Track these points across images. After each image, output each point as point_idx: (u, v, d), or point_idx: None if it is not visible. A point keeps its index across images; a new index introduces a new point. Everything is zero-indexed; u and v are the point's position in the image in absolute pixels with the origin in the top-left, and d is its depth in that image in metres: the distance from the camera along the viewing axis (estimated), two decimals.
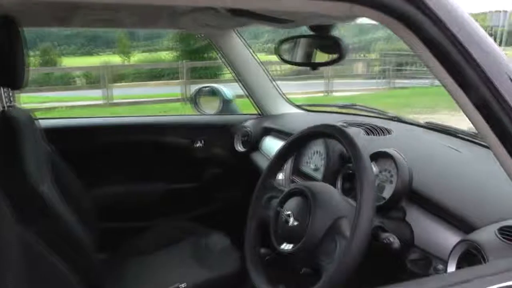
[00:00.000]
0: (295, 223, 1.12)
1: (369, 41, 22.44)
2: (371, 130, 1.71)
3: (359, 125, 1.77)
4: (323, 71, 13.23)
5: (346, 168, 1.49)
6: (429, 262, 1.15)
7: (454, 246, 1.08)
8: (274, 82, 2.31)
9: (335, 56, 1.42)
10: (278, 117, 2.28)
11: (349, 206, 1.16)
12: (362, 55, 20.23)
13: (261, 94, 2.30)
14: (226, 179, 2.36)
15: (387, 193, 1.29)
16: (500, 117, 0.84)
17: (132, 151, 2.18)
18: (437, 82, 0.89)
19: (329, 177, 1.53)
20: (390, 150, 1.30)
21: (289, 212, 1.15)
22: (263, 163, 2.10)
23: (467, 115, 0.89)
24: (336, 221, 1.08)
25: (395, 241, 1.11)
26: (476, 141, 1.53)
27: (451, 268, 1.08)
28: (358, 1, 0.80)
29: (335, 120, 1.77)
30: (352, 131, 1.70)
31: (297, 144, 1.34)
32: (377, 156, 1.35)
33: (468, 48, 0.81)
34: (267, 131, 2.21)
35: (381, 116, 2.02)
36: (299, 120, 2.18)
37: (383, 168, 1.33)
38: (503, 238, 1.02)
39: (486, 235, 1.05)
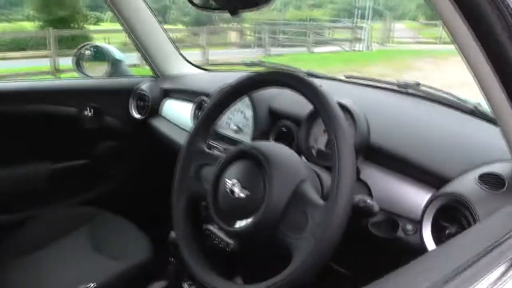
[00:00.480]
0: (243, 194, 0.88)
1: None
2: None
3: None
4: (198, 40, 12.92)
5: (279, 126, 1.28)
6: (395, 223, 0.99)
7: (430, 202, 0.93)
8: (172, 40, 2.02)
9: None
10: (177, 78, 1.99)
11: (308, 167, 0.96)
12: (234, 24, 20.22)
13: (157, 53, 1.99)
14: (123, 152, 2.03)
15: None
16: None
17: (4, 124, 1.72)
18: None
19: (259, 138, 1.31)
20: (346, 101, 1.10)
21: (233, 181, 0.90)
22: (166, 129, 1.85)
23: (477, 75, 0.74)
24: (299, 187, 0.86)
25: (373, 203, 0.92)
26: (409, 91, 1.41)
27: (427, 227, 0.93)
28: None
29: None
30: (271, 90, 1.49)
31: (233, 96, 1.06)
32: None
33: None
34: (167, 93, 1.94)
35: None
36: (203, 80, 1.92)
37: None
38: (485, 186, 0.89)
39: (466, 185, 0.91)
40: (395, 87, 1.46)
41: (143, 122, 1.94)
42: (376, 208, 0.93)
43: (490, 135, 1.15)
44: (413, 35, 22.81)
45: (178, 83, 1.93)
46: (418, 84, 1.41)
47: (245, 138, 1.37)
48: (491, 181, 0.90)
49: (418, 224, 0.96)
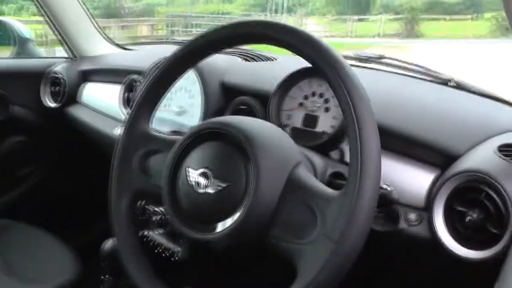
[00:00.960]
0: (216, 188, 0.65)
1: (150, 4, 21.93)
2: (251, 56, 1.30)
3: (228, 53, 1.34)
4: (109, 34, 12.19)
5: (235, 104, 1.08)
6: (395, 214, 0.83)
7: (441, 184, 0.77)
8: (92, 17, 1.73)
9: None
10: (98, 58, 1.72)
11: (298, 148, 0.74)
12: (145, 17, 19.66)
13: (74, 31, 1.70)
14: (36, 149, 1.72)
15: (324, 127, 0.91)
16: None
17: None
18: None
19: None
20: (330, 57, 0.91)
21: (200, 170, 0.67)
22: (88, 117, 1.57)
23: None
24: (294, 173, 0.65)
25: (392, 189, 0.75)
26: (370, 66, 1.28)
27: (438, 214, 0.77)
28: None
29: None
30: (223, 59, 1.27)
31: (192, 57, 0.79)
32: (304, 76, 0.95)
33: None
34: (87, 76, 1.66)
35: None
36: (131, 57, 1.68)
37: (313, 92, 0.95)
38: (510, 159, 0.75)
39: (485, 160, 0.76)
40: (355, 61, 1.30)
41: (58, 111, 1.65)
42: (396, 195, 0.76)
43: (477, 106, 1.05)
44: (324, 29, 23.56)
45: (99, 63, 1.66)
46: (381, 57, 1.27)
47: (192, 120, 1.14)
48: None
49: (422, 212, 0.80)
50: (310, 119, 0.94)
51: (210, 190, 0.65)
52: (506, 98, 1.07)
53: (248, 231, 0.63)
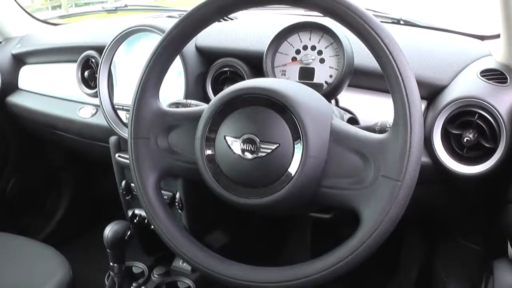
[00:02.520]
0: (267, 150, 0.67)
1: None
2: None
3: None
4: None
5: (218, 66, 1.09)
6: None
7: (435, 115, 0.87)
8: None
9: None
10: (28, 38, 1.59)
11: (327, 102, 0.77)
12: None
13: None
14: None
15: (322, 78, 0.96)
16: None
17: None
18: None
19: (194, 89, 1.09)
20: (324, 22, 0.93)
21: (245, 137, 0.68)
22: (35, 103, 1.47)
23: None
24: (334, 124, 0.69)
25: None
26: None
27: (437, 141, 0.87)
28: None
29: (119, 27, 1.18)
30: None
31: (197, 25, 0.77)
32: (292, 31, 0.98)
33: None
34: (23, 59, 1.54)
35: (174, 9, 1.58)
36: (70, 35, 1.55)
37: (304, 45, 0.97)
38: (492, 82, 0.86)
39: (471, 86, 0.86)
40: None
41: None
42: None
43: (437, 39, 1.14)
44: None
45: (36, 43, 1.53)
46: None
47: (176, 90, 1.10)
48: (494, 76, 0.87)
49: None
50: (307, 72, 0.97)
51: (260, 154, 0.67)
52: (457, 29, 1.19)
53: (306, 185, 0.67)
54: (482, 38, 1.11)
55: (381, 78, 0.86)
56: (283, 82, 0.74)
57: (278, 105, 0.68)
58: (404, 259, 1.42)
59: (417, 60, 0.96)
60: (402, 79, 0.63)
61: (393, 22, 1.25)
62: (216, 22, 1.25)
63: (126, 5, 1.71)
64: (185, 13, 0.77)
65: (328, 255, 0.65)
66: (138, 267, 1.23)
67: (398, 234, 1.31)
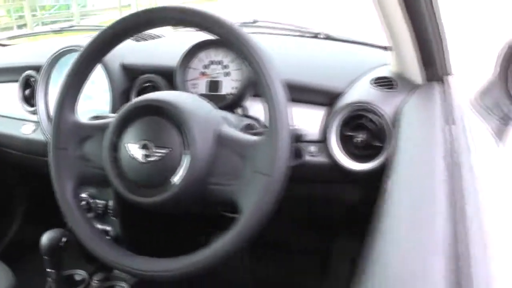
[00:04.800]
0: (160, 154, 0.76)
1: None
2: (141, 36, 1.38)
3: None
4: None
5: (140, 82, 1.18)
6: (298, 150, 1.01)
7: (331, 119, 0.97)
8: None
9: None
10: None
11: (216, 110, 0.87)
12: None
13: None
14: None
15: (228, 89, 1.06)
16: None
17: None
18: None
19: (119, 101, 1.18)
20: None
21: (141, 143, 0.77)
22: None
23: None
24: (220, 130, 0.79)
25: (298, 127, 0.92)
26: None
27: (334, 143, 0.97)
28: None
29: (56, 48, 1.28)
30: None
31: (108, 44, 0.87)
32: (202, 48, 1.08)
33: None
34: None
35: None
36: (14, 54, 1.61)
37: (211, 61, 1.08)
38: (381, 88, 0.97)
39: (363, 92, 0.97)
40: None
41: None
42: (303, 130, 0.94)
43: (347, 51, 1.25)
44: None
45: None
46: (255, 21, 1.43)
47: (103, 105, 1.21)
48: (383, 83, 0.98)
49: (320, 143, 1.00)
50: (214, 85, 1.08)
51: (153, 158, 0.76)
52: (367, 41, 1.30)
53: (193, 184, 0.76)
54: (386, 48, 1.23)
55: (293, 90, 0.98)
56: (176, 95, 0.84)
57: (169, 114, 0.77)
58: (335, 261, 1.51)
59: (319, 70, 1.08)
60: (270, 89, 0.72)
61: (312, 36, 1.36)
62: (142, 41, 1.35)
63: (71, 26, 1.80)
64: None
65: (214, 242, 0.74)
66: (80, 274, 1.30)
67: (329, 238, 1.40)
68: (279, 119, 0.72)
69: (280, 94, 0.73)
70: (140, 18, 0.84)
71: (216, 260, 0.72)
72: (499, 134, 0.95)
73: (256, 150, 0.74)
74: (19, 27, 13.42)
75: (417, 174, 0.62)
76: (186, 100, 0.82)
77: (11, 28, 13.11)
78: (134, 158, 0.78)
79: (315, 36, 1.35)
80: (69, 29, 1.78)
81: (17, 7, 14.06)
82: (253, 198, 0.71)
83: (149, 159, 0.77)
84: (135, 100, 0.83)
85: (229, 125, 0.87)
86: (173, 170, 0.76)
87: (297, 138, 0.94)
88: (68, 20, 14.75)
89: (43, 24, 14.13)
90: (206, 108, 0.84)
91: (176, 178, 0.75)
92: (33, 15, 14.10)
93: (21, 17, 13.99)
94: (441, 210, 0.51)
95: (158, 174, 0.77)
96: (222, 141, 0.78)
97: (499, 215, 0.67)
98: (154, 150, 0.76)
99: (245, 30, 1.41)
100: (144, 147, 0.77)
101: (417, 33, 0.87)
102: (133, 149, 0.78)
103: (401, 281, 0.41)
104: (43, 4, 16.04)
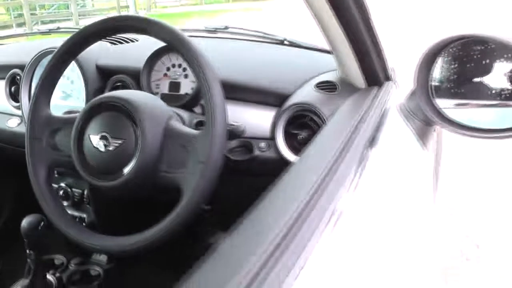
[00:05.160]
0: (116, 145, 0.88)
1: None
2: (117, 40, 1.50)
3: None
4: None
5: (112, 82, 1.30)
6: (249, 146, 1.13)
7: (278, 118, 1.08)
8: None
9: None
10: None
11: (168, 107, 0.99)
12: None
13: None
14: None
15: (186, 89, 1.18)
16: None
17: None
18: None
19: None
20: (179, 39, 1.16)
21: (101, 134, 0.89)
22: None
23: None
24: (168, 124, 0.90)
25: (239, 124, 1.03)
26: (219, 35, 1.56)
27: (280, 138, 1.09)
28: None
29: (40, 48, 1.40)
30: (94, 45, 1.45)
31: (79, 45, 0.99)
32: (164, 52, 1.20)
33: None
34: None
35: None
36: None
37: (173, 64, 1.20)
38: (323, 91, 1.08)
39: (307, 95, 1.08)
40: (205, 33, 1.57)
41: None
42: (243, 127, 1.04)
43: (305, 56, 1.37)
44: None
45: None
46: (226, 28, 1.55)
47: (78, 102, 1.33)
48: (326, 87, 1.10)
49: (270, 140, 1.11)
50: (174, 85, 1.22)
51: (110, 148, 0.88)
52: (327, 48, 1.41)
53: (144, 170, 0.87)
54: None
55: (241, 91, 1.09)
56: (133, 93, 0.96)
57: (125, 110, 0.89)
58: None
59: (274, 74, 1.19)
60: (208, 88, 0.84)
61: (277, 43, 1.48)
62: (118, 44, 1.47)
63: (58, 28, 1.91)
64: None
65: (160, 222, 0.85)
66: (59, 258, 1.41)
67: None
68: (215, 114, 0.82)
69: (216, 92, 0.84)
70: (107, 24, 0.96)
71: (161, 236, 0.83)
72: (421, 134, 1.07)
73: (197, 142, 0.85)
74: (18, 25, 13.55)
75: (309, 167, 0.71)
76: (141, 98, 0.93)
77: (10, 27, 13.27)
78: (95, 148, 0.89)
79: (281, 42, 1.47)
80: (57, 31, 1.89)
81: (16, 5, 14.15)
82: (193, 184, 0.82)
83: (108, 148, 0.88)
84: (97, 97, 0.95)
85: (179, 121, 0.98)
86: (127, 158, 0.87)
87: (239, 134, 1.05)
88: (67, 19, 14.92)
89: (43, 23, 14.24)
90: (158, 105, 0.95)
91: (129, 165, 0.87)
92: (33, 14, 14.18)
93: (20, 15, 14.07)
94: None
95: (114, 161, 0.89)
96: (169, 134, 0.89)
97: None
98: (111, 140, 0.88)
99: (218, 35, 1.55)
100: (103, 138, 0.89)
101: (353, 44, 0.98)
102: (95, 140, 0.90)
103: None
104: (42, 3, 16.12)
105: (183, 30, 1.61)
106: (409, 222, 0.82)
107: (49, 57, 1.33)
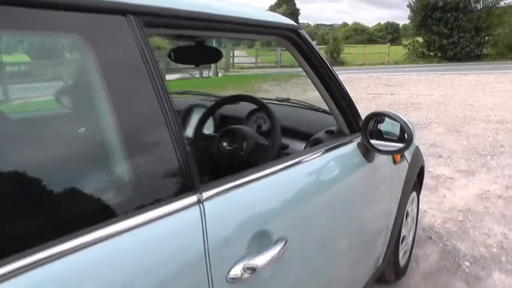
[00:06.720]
0: (232, 147, 1.92)
1: None
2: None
3: None
4: None
5: (227, 124, 2.40)
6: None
7: (308, 143, 2.26)
8: None
9: None
10: None
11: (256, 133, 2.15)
12: None
13: None
14: None
15: (264, 128, 2.40)
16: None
17: None
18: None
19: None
20: (264, 105, 2.40)
21: (227, 141, 1.93)
22: None
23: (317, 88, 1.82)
24: (256, 139, 1.95)
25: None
26: (285, 103, 2.65)
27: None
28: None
29: None
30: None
31: (217, 107, 2.21)
32: (253, 112, 2.39)
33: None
34: None
35: None
36: None
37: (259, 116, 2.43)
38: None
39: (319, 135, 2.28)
40: (277, 101, 2.67)
41: None
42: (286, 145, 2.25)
43: (328, 119, 2.41)
44: (253, 60, 24.38)
45: None
46: (288, 99, 2.81)
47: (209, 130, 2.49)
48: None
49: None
50: (259, 126, 2.30)
51: (230, 147, 1.94)
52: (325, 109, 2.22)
53: (251, 144, 1.91)
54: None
55: (290, 131, 2.29)
56: (245, 127, 2.08)
57: (237, 131, 2.01)
58: None
59: (308, 124, 2.29)
60: (275, 128, 1.99)
61: (315, 110, 2.57)
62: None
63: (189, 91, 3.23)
64: None
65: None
66: None
67: None
68: (275, 136, 1.97)
69: (278, 130, 2.03)
70: (238, 98, 2.26)
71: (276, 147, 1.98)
72: (365, 153, 1.86)
73: (266, 145, 2.03)
74: None
75: None
76: (245, 127, 2.06)
77: None
78: (224, 147, 2.01)
79: (316, 109, 2.52)
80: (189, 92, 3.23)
81: None
82: (273, 142, 1.97)
83: (228, 147, 2.00)
84: (228, 126, 2.08)
85: (262, 139, 2.20)
86: (236, 154, 1.97)
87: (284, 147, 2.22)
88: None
89: None
90: (253, 133, 2.01)
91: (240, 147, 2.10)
92: None
93: None
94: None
95: (228, 151, 1.99)
96: (257, 143, 1.99)
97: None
98: (229, 144, 2.00)
99: (284, 103, 2.81)
100: (227, 143, 2.08)
101: (334, 101, 1.82)
102: (224, 143, 2.03)
103: None
104: None
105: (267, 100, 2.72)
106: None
107: (198, 108, 2.65)
